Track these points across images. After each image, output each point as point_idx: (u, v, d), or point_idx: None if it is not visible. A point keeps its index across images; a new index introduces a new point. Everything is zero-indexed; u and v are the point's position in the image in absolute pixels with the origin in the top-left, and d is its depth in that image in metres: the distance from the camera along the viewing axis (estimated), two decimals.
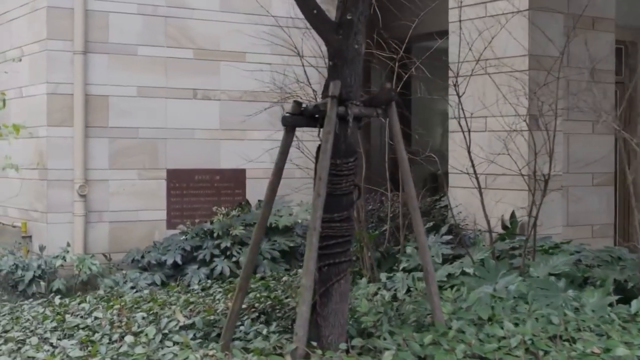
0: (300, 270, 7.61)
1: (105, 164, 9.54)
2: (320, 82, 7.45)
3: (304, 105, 4.59)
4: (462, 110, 5.90)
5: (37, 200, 9.50)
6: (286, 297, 5.70)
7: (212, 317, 5.08)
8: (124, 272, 9.06)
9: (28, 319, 5.35)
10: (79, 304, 5.99)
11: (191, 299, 5.64)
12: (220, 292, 6.04)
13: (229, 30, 10.20)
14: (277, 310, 5.42)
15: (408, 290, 5.69)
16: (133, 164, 9.68)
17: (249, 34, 10.27)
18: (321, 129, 4.57)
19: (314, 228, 4.23)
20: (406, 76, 6.48)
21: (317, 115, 4.57)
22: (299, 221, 9.87)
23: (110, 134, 9.56)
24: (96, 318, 5.10)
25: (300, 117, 4.60)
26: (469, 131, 5.96)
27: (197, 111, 10.04)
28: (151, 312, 5.25)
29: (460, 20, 6.13)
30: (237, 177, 10.30)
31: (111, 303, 5.71)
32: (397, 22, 6.90)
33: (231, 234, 9.31)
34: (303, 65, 7.09)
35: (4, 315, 5.75)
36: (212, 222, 9.59)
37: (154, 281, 8.96)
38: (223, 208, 9.62)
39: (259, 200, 10.18)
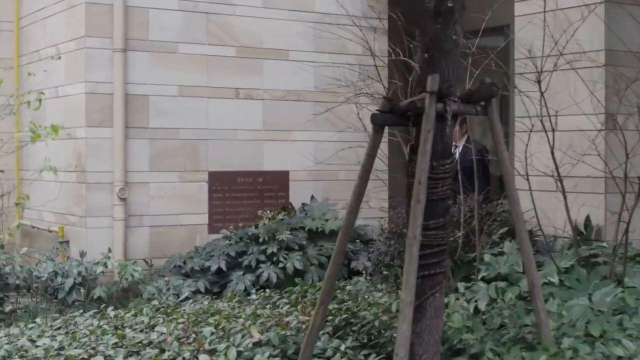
0: (361, 279, 7.22)
1: (146, 166, 9.17)
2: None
3: (394, 102, 4.18)
4: (547, 108, 5.48)
5: (75, 203, 9.14)
6: (357, 309, 5.30)
7: (285, 333, 4.68)
8: (166, 278, 8.70)
9: (85, 334, 4.96)
10: (135, 316, 5.60)
11: (258, 312, 5.24)
12: (285, 303, 5.62)
13: (272, 27, 9.81)
14: (352, 324, 5.02)
15: (490, 302, 5.27)
16: (174, 166, 9.31)
17: (293, 30, 9.92)
18: (412, 128, 4.20)
19: (414, 237, 3.83)
20: (477, 72, 6.07)
21: (408, 113, 4.16)
22: None
23: (151, 134, 9.18)
24: (160, 333, 4.71)
25: (391, 114, 4.20)
26: (553, 130, 5.55)
27: (240, 111, 9.66)
28: (219, 326, 4.86)
29: (544, 11, 5.71)
30: (280, 180, 9.92)
31: (172, 316, 5.32)
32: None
33: (277, 239, 8.92)
34: (375, 65, 6.66)
35: (57, 328, 5.36)
36: (256, 226, 9.21)
37: (198, 288, 8.59)
38: (268, 211, 9.22)
39: (302, 204, 9.81)
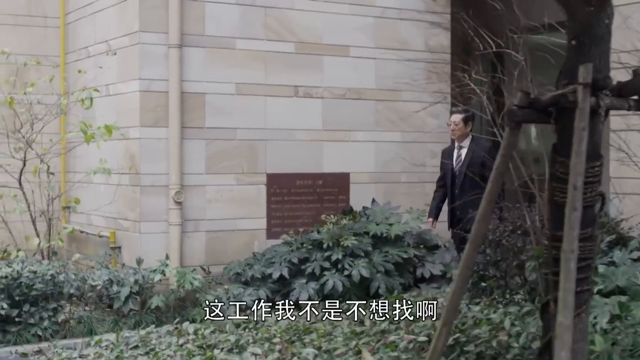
0: (448, 289, 6.70)
1: (202, 168, 8.70)
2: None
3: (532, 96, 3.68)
4: None
5: (129, 207, 8.68)
6: (464, 326, 4.80)
7: (398, 355, 4.19)
8: (225, 287, 8.23)
9: (169, 355, 4.48)
10: (214, 332, 5.12)
11: (357, 329, 4.75)
12: (383, 320, 5.11)
13: (331, 21, 9.32)
14: (462, 343, 4.52)
15: (611, 319, 4.74)
16: (231, 167, 8.84)
17: (354, 25, 9.44)
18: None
19: (571, 250, 3.33)
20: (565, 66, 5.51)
21: (550, 108, 3.65)
22: (409, 229, 8.98)
23: (207, 135, 8.72)
24: (255, 355, 4.23)
25: (529, 110, 3.69)
26: None
27: (298, 110, 9.17)
28: (319, 347, 4.37)
29: None
30: (340, 182, 9.42)
31: (260, 333, 4.83)
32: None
33: (342, 245, 8.44)
34: (450, 62, 6.12)
35: (134, 347, 4.89)
36: (318, 232, 8.73)
37: (259, 297, 8.12)
38: (332, 216, 8.72)
39: (363, 207, 9.32)
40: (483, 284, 5.66)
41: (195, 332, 5.05)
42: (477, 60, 5.58)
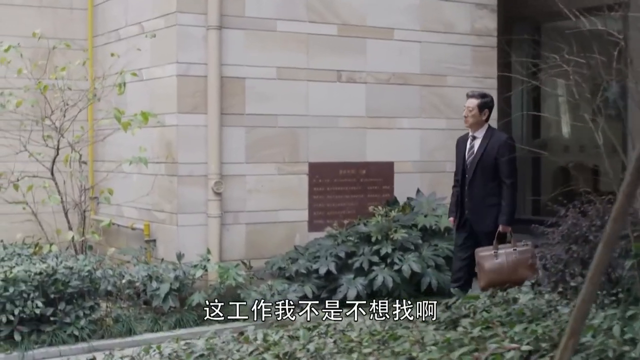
0: (523, 288, 6.23)
1: (242, 157, 8.24)
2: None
3: None
4: None
5: (165, 199, 8.22)
6: (563, 332, 4.32)
7: None
8: (269, 282, 7.78)
9: None
10: (282, 338, 4.66)
11: (450, 336, 4.28)
12: (472, 324, 4.64)
13: (375, 2, 8.83)
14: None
15: None
16: (272, 156, 8.37)
17: (398, 6, 8.97)
18: None
19: None
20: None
21: None
22: None
23: (247, 122, 8.25)
24: None
25: None
26: None
27: (341, 96, 8.70)
28: (416, 358, 3.91)
29: None
30: (384, 171, 8.95)
31: (343, 341, 4.37)
32: None
33: (391, 238, 8.00)
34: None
35: (200, 356, 4.42)
36: (365, 224, 8.28)
37: (305, 294, 7.70)
38: (380, 208, 8.26)
39: (408, 198, 8.87)
40: (573, 283, 5.20)
41: (265, 339, 4.59)
42: (570, 41, 5.09)
